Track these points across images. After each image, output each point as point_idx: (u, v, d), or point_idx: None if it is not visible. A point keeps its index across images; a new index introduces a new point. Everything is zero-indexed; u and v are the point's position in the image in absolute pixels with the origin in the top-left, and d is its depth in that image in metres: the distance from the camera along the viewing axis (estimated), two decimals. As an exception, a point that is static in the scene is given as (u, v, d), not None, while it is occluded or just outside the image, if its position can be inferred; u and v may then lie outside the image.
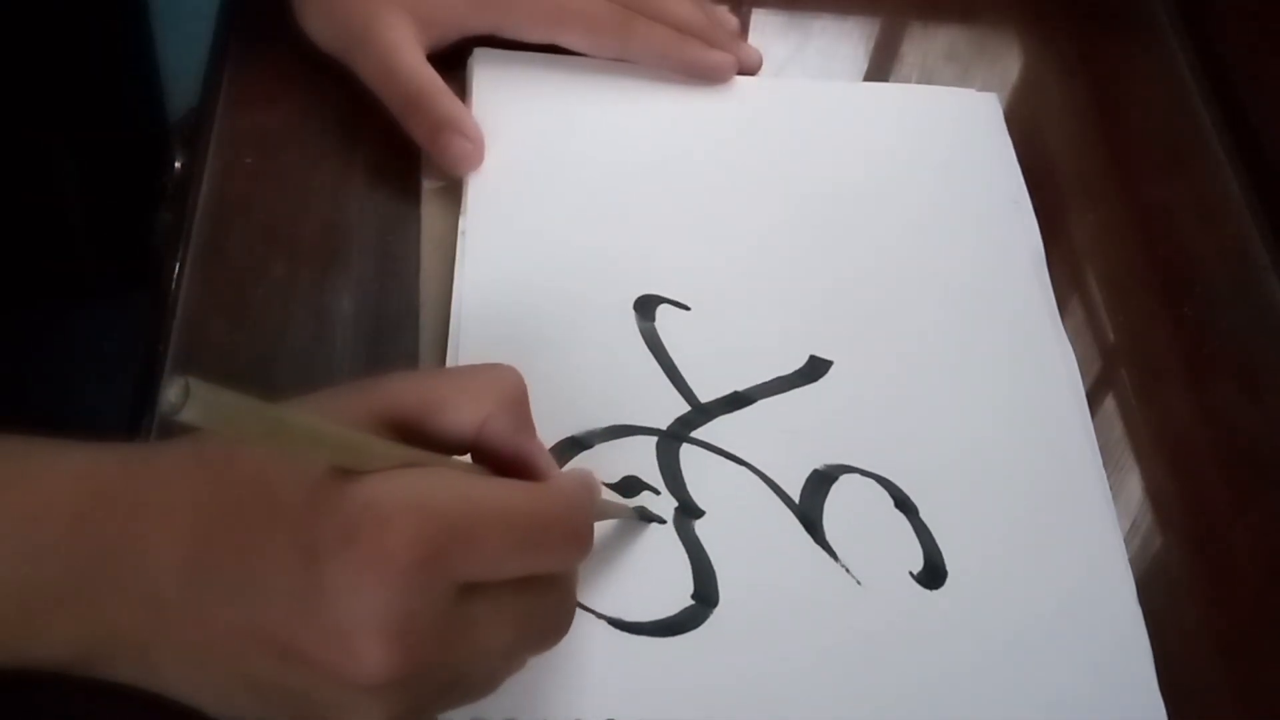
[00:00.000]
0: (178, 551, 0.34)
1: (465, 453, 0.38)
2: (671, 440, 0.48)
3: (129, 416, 0.48)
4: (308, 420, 0.32)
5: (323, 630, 0.32)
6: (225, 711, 0.36)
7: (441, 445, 0.37)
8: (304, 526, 0.33)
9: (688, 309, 0.52)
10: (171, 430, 0.35)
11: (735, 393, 0.50)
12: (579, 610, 0.43)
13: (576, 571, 0.39)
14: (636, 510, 0.46)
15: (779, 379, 0.50)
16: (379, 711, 0.34)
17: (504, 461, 0.38)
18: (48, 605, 0.34)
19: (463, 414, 0.37)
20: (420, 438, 0.36)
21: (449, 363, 0.49)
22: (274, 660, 0.33)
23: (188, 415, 0.27)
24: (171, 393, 0.27)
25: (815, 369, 0.51)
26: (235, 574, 0.34)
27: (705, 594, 0.45)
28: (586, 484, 0.40)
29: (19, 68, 0.65)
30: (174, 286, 0.51)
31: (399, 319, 0.51)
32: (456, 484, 0.35)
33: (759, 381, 0.50)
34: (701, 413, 0.49)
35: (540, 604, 0.37)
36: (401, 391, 0.37)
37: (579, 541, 0.37)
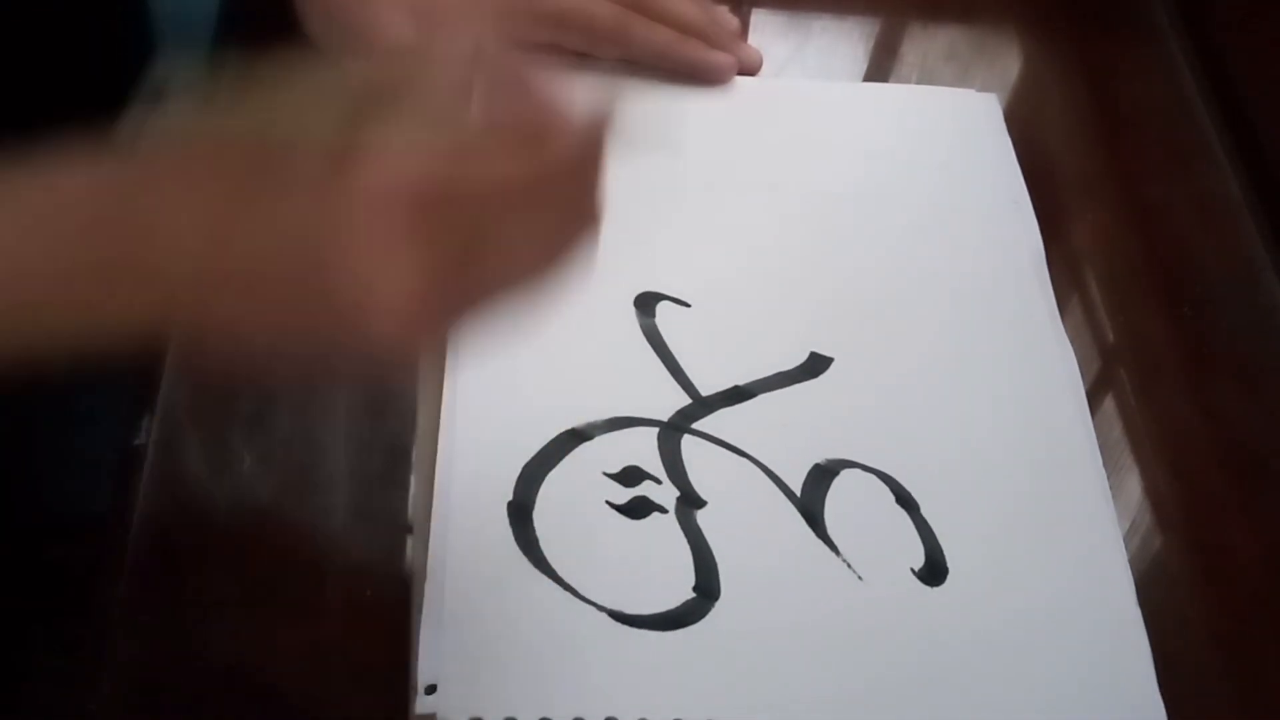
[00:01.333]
0: (201, 208, 0.35)
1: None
2: (673, 431, 0.48)
3: (129, 416, 0.48)
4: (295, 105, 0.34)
5: (348, 246, 0.33)
6: (266, 336, 0.36)
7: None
8: (316, 163, 0.34)
9: (688, 306, 0.52)
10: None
11: (736, 387, 0.50)
12: (580, 603, 0.44)
13: (600, 179, 0.38)
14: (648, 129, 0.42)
15: (779, 374, 0.50)
16: (403, 265, 0.34)
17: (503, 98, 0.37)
18: (95, 283, 0.36)
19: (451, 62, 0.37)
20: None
21: (449, 362, 0.49)
22: (307, 270, 0.34)
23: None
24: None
25: (816, 365, 0.51)
26: (260, 209, 0.35)
27: (707, 586, 0.45)
28: (597, 108, 0.38)
29: (19, 68, 0.65)
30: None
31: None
32: (450, 137, 0.35)
33: (760, 376, 0.50)
34: (702, 405, 0.49)
35: (564, 220, 0.37)
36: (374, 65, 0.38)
37: (594, 160, 0.37)
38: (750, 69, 0.61)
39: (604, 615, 0.44)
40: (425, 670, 0.42)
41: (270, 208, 0.35)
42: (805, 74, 0.63)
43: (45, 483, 0.58)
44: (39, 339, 0.37)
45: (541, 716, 0.41)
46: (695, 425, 0.49)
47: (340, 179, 0.33)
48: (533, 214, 0.36)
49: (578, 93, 0.36)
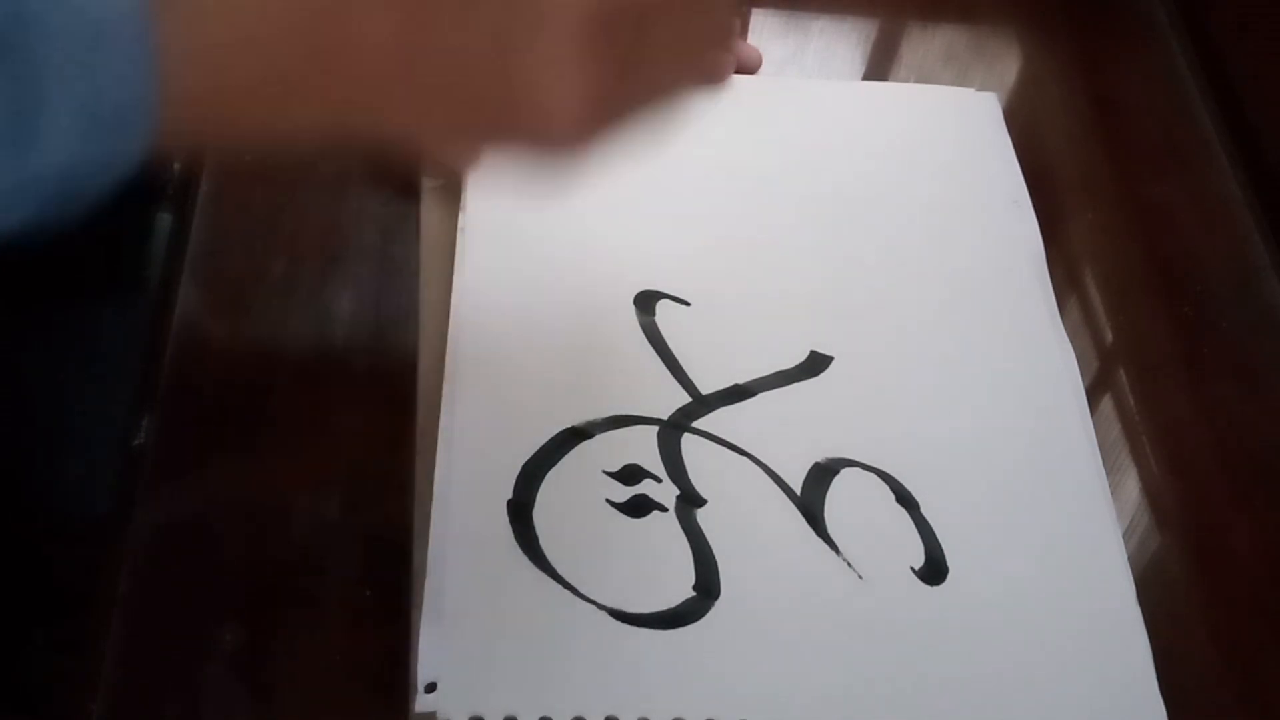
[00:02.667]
0: (399, 5, 0.36)
1: None
2: (673, 430, 0.48)
3: (129, 416, 0.48)
4: None
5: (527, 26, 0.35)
6: (454, 137, 0.39)
7: None
8: None
9: (688, 304, 0.52)
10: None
11: (736, 385, 0.50)
12: (580, 601, 0.44)
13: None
14: None
15: (779, 373, 0.51)
16: (576, 62, 0.36)
17: None
18: (302, 70, 0.37)
19: None
20: None
21: (449, 361, 0.49)
22: (496, 75, 0.36)
23: None
24: None
25: (815, 364, 0.51)
26: (452, 20, 0.36)
27: (707, 585, 0.45)
28: None
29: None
30: (174, 286, 0.51)
31: (399, 318, 0.51)
32: None
33: (759, 375, 0.50)
34: (702, 404, 0.49)
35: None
36: None
37: None
38: (749, 68, 0.61)
39: (604, 613, 0.44)
40: (425, 668, 0.42)
41: (461, 9, 0.36)
42: (804, 74, 0.63)
43: (45, 483, 0.58)
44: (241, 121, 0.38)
45: (541, 715, 0.41)
46: (695, 424, 0.49)
47: None
48: (680, 29, 0.38)
49: None
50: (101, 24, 0.35)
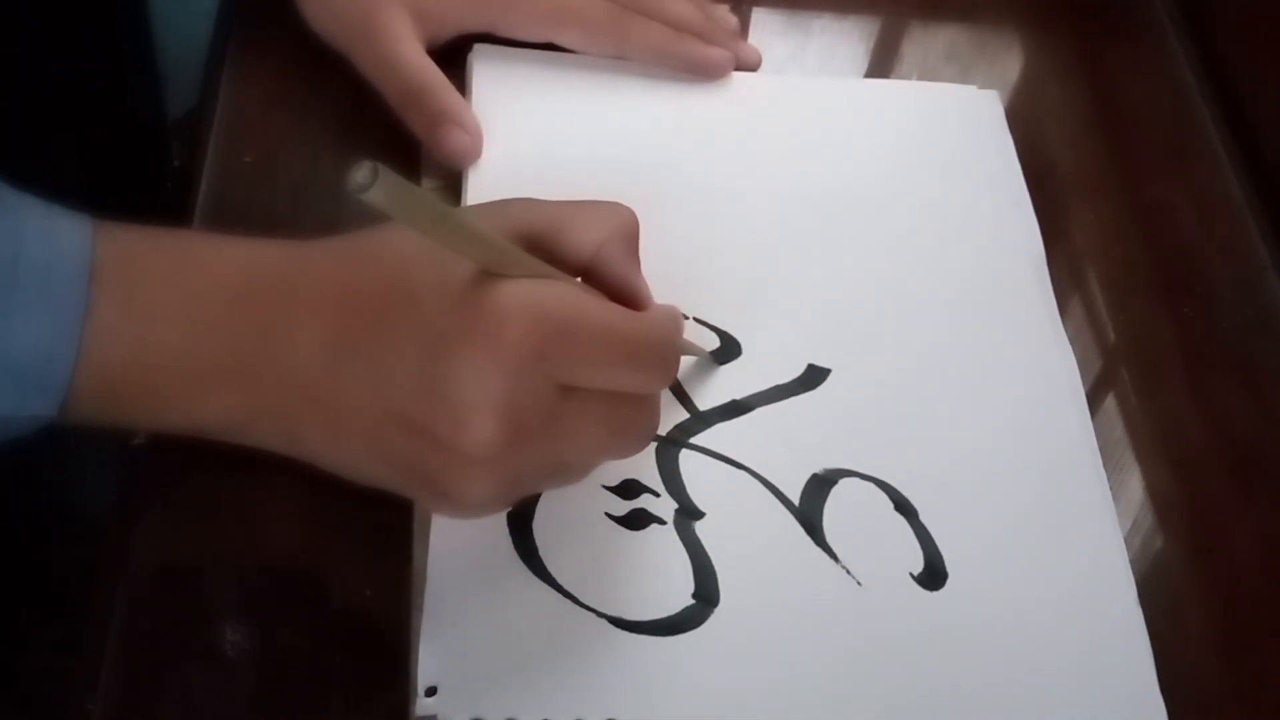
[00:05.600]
0: (322, 337, 0.39)
1: (580, 275, 0.43)
2: (670, 446, 0.48)
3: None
4: (468, 221, 0.37)
5: (443, 407, 0.38)
6: (359, 477, 0.42)
7: (562, 264, 0.41)
8: (436, 318, 0.38)
9: (685, 318, 0.52)
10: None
11: (734, 401, 0.50)
12: (579, 609, 0.44)
13: (659, 397, 0.43)
14: (711, 354, 0.50)
15: (777, 387, 0.50)
16: (484, 479, 0.39)
17: (613, 288, 0.42)
18: (212, 376, 0.39)
19: (584, 236, 0.42)
20: (544, 254, 0.41)
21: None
22: (400, 433, 0.39)
23: (372, 196, 0.31)
24: (360, 174, 0.31)
25: (813, 377, 0.51)
26: (372, 357, 0.39)
27: (706, 593, 0.45)
28: (676, 318, 0.45)
29: (19, 68, 0.64)
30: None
31: (399, 318, 0.51)
32: (571, 296, 0.40)
33: (757, 390, 0.50)
34: (700, 420, 0.49)
35: (628, 414, 0.41)
36: (535, 210, 0.42)
37: (666, 366, 0.42)
38: (748, 66, 0.61)
39: (604, 621, 0.44)
40: (425, 673, 0.42)
41: (386, 351, 0.39)
42: (805, 73, 0.63)
43: (45, 483, 0.58)
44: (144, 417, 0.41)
45: (542, 719, 0.41)
46: (693, 439, 0.48)
47: (461, 334, 0.37)
48: (605, 396, 0.40)
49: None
50: (45, 277, 0.36)
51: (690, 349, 0.49)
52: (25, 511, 0.54)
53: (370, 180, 0.31)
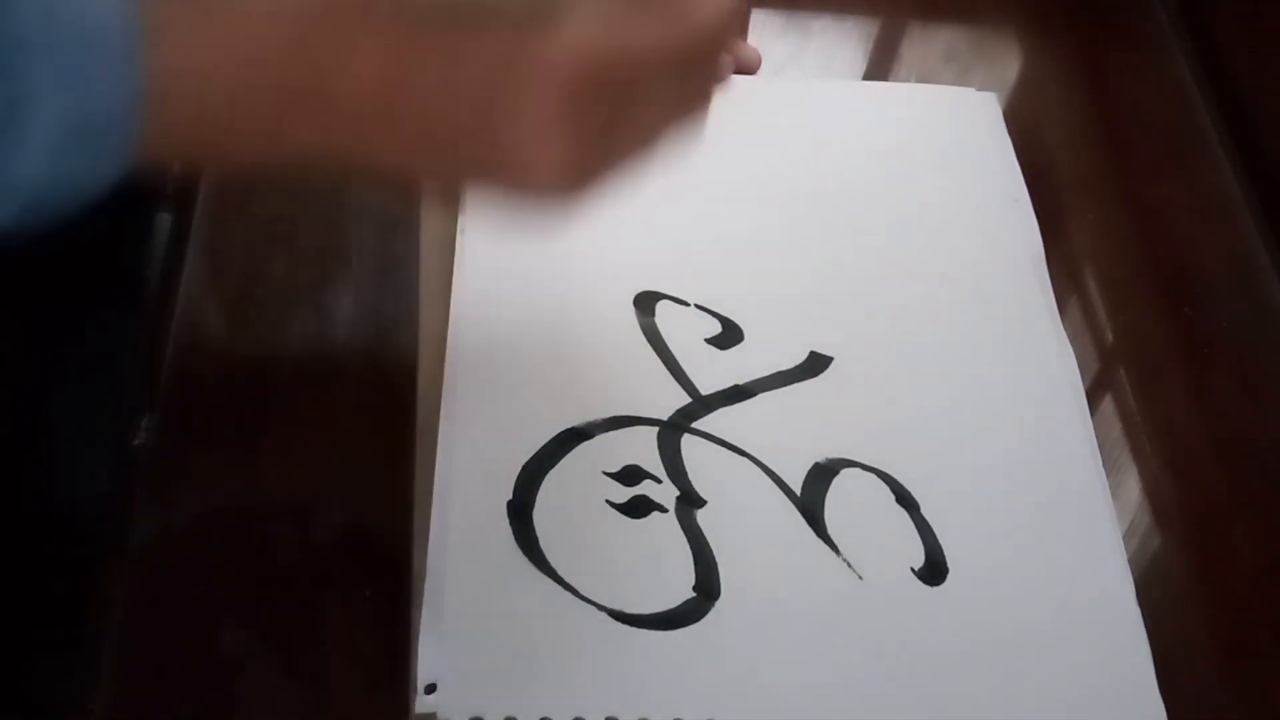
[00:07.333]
0: (387, 53, 0.37)
1: None
2: (672, 430, 0.48)
3: (129, 416, 0.48)
4: None
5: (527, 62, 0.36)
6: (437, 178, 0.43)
7: None
8: (504, 38, 0.36)
9: (687, 305, 0.52)
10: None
11: (736, 386, 0.50)
12: (580, 602, 0.44)
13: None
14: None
15: (779, 373, 0.50)
16: (568, 128, 0.37)
17: None
18: (290, 104, 0.37)
19: None
20: None
21: (449, 361, 0.49)
22: (481, 128, 0.37)
23: None
24: None
25: (815, 365, 0.51)
26: (441, 70, 0.37)
27: (707, 586, 0.45)
28: None
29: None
30: (174, 286, 0.51)
31: (399, 318, 0.51)
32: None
33: (759, 375, 0.50)
34: (702, 404, 0.49)
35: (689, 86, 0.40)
36: None
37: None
38: (748, 68, 0.61)
39: (604, 614, 0.44)
40: (425, 669, 0.42)
41: (452, 58, 0.37)
42: (804, 74, 0.63)
43: (44, 482, 0.58)
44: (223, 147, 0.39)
45: (541, 716, 0.41)
46: (695, 424, 0.49)
47: (521, 46, 0.36)
48: (667, 88, 0.39)
49: None
50: (92, 37, 0.35)
51: None
52: (25, 511, 0.54)
53: None
